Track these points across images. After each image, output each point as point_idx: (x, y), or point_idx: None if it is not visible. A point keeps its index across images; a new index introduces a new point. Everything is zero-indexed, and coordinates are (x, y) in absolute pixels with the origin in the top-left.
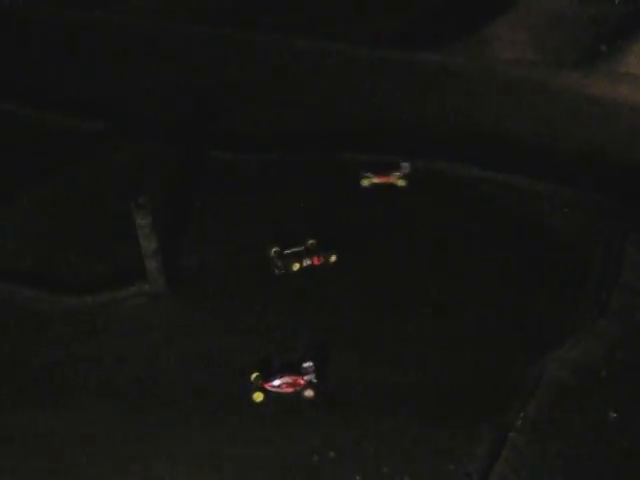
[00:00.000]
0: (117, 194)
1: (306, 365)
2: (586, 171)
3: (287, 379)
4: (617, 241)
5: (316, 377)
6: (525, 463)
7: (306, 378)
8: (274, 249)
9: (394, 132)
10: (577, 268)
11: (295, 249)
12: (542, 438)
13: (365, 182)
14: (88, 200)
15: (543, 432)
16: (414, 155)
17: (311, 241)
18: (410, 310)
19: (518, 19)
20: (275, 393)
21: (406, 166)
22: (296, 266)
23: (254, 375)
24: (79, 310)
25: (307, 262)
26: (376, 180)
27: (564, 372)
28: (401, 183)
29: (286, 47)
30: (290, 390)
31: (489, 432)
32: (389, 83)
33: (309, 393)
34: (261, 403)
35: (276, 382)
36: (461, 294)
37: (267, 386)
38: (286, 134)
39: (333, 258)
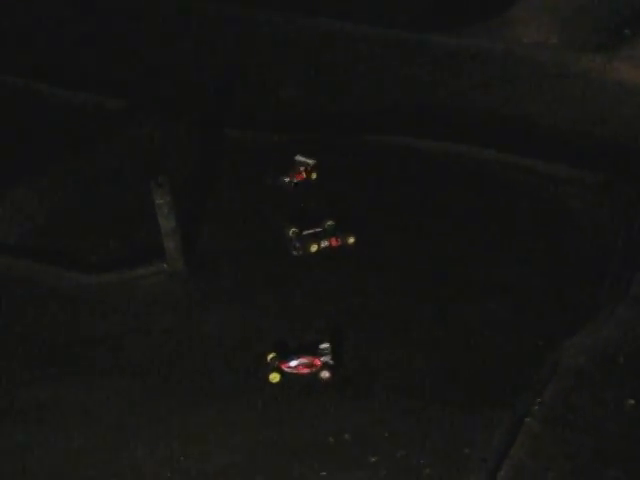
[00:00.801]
0: (137, 172)
1: (323, 346)
2: (607, 156)
3: (304, 360)
4: (637, 227)
5: (332, 358)
6: (541, 449)
7: (323, 359)
8: (292, 230)
9: (411, 115)
10: (596, 253)
11: (313, 230)
12: (558, 424)
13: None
14: (108, 178)
15: (559, 418)
16: (433, 138)
17: (329, 222)
18: (427, 293)
19: (541, 2)
20: (291, 374)
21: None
22: (314, 247)
23: (271, 355)
24: (97, 288)
25: (325, 243)
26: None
27: (582, 358)
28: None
29: (303, 28)
30: (306, 371)
31: (505, 417)
32: (407, 65)
33: (325, 374)
34: (277, 384)
35: (293, 363)
36: (479, 279)
37: (283, 367)
38: (304, 115)
39: (351, 240)
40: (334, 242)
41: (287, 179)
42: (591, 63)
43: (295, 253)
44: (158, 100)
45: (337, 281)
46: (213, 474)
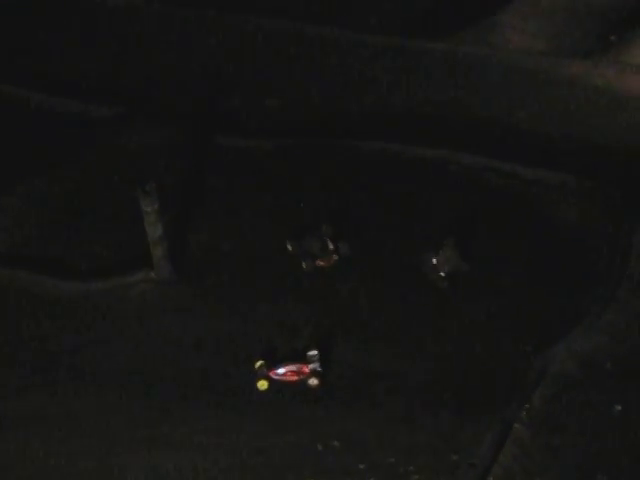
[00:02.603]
0: (125, 180)
1: (311, 353)
2: (594, 162)
3: (292, 367)
4: (625, 233)
5: (321, 366)
6: (529, 454)
7: (311, 366)
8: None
9: (397, 120)
10: (584, 259)
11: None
12: (546, 430)
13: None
14: (96, 186)
15: (547, 424)
16: (420, 143)
17: (326, 226)
18: (416, 300)
19: (528, 8)
20: (280, 381)
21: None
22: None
23: (259, 363)
24: (85, 296)
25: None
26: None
27: (570, 364)
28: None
29: (293, 33)
30: (295, 378)
31: (493, 423)
32: (395, 71)
33: (314, 382)
34: (265, 391)
35: (281, 370)
36: (467, 284)
37: (272, 374)
38: (293, 121)
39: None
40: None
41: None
42: (577, 69)
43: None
44: (146, 107)
45: (326, 288)
46: None
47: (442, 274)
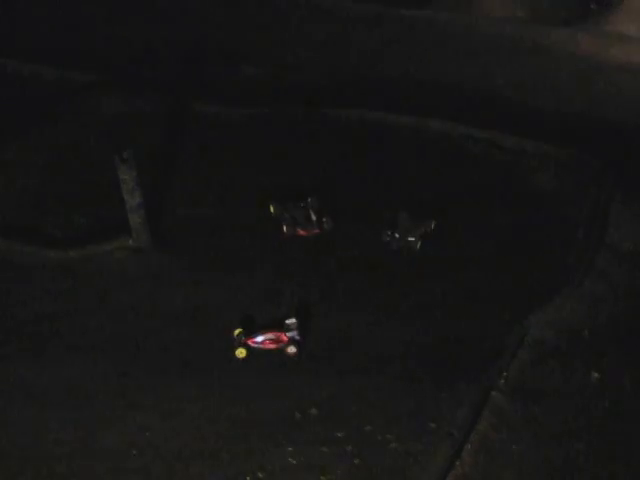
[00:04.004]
0: (102, 147)
1: (289, 322)
2: (572, 130)
3: (270, 335)
4: (603, 200)
5: (299, 334)
6: (507, 422)
7: (289, 335)
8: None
9: (379, 88)
10: (562, 227)
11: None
12: (524, 398)
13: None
14: (73, 152)
15: (525, 392)
16: (400, 111)
17: (312, 199)
18: (395, 270)
19: None
20: (258, 349)
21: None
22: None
23: (237, 331)
24: (62, 263)
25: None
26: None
27: (547, 332)
28: None
29: (270, 2)
30: (273, 346)
31: (471, 391)
32: (374, 38)
33: (292, 350)
34: (243, 359)
35: (259, 338)
36: (444, 254)
37: (250, 342)
38: (272, 88)
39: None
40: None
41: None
42: (557, 37)
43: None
44: (123, 75)
45: (306, 257)
46: (178, 450)
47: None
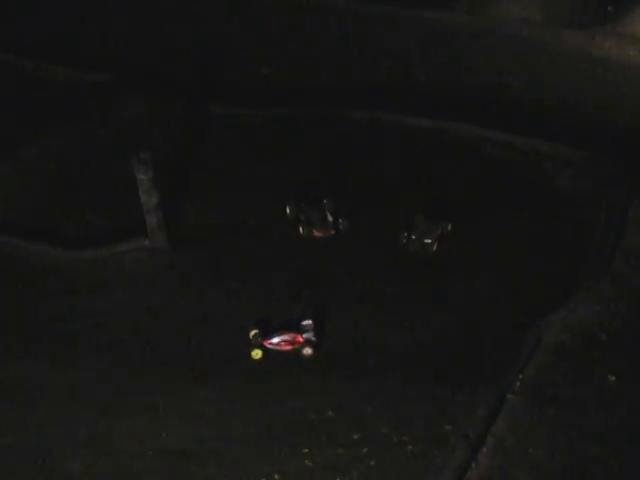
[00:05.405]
0: (119, 147)
1: (305, 323)
2: (590, 133)
3: (286, 337)
4: (620, 204)
5: (315, 335)
6: (522, 425)
7: (305, 336)
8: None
9: (396, 90)
10: (580, 230)
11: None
12: (540, 401)
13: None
14: (90, 153)
15: (541, 395)
16: (416, 113)
17: (328, 200)
18: (411, 270)
19: None
20: (274, 351)
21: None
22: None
23: (253, 332)
24: (79, 264)
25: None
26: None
27: (564, 335)
28: None
29: (290, 1)
30: (289, 348)
31: (487, 394)
32: (392, 40)
33: (307, 351)
34: (259, 361)
35: (275, 339)
36: (462, 255)
37: (266, 343)
38: (291, 90)
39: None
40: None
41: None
42: (574, 40)
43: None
44: (141, 75)
45: (321, 259)
46: (195, 450)
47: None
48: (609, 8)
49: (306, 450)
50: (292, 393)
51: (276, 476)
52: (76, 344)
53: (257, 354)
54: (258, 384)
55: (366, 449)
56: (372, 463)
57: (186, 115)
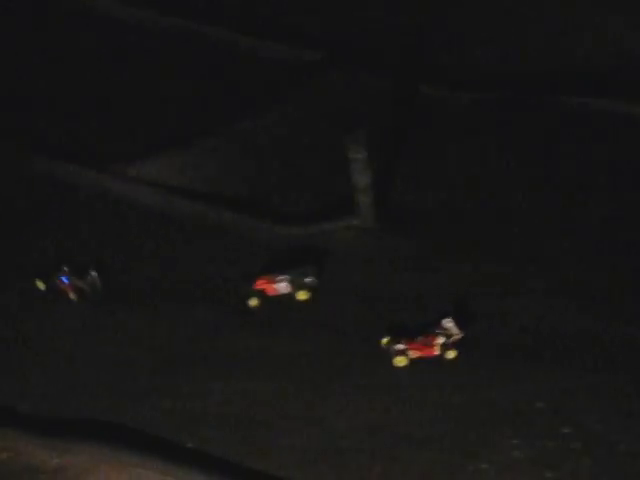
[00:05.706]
0: (333, 127)
1: (446, 323)
2: None
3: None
4: None
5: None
6: None
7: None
8: None
9: (607, 77)
10: None
11: None
12: None
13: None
14: (302, 130)
15: None
16: (629, 100)
17: None
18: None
19: None
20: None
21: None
22: None
23: (385, 340)
24: (288, 241)
25: None
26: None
27: None
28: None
29: None
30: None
31: None
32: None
33: (450, 355)
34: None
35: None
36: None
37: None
38: (496, 74)
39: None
40: None
41: None
42: None
43: None
44: (354, 55)
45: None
46: (405, 433)
47: None
48: None
49: (515, 441)
50: (501, 382)
51: (483, 465)
52: (289, 324)
53: (401, 361)
54: (470, 373)
55: (577, 444)
56: (584, 460)
57: (397, 96)
